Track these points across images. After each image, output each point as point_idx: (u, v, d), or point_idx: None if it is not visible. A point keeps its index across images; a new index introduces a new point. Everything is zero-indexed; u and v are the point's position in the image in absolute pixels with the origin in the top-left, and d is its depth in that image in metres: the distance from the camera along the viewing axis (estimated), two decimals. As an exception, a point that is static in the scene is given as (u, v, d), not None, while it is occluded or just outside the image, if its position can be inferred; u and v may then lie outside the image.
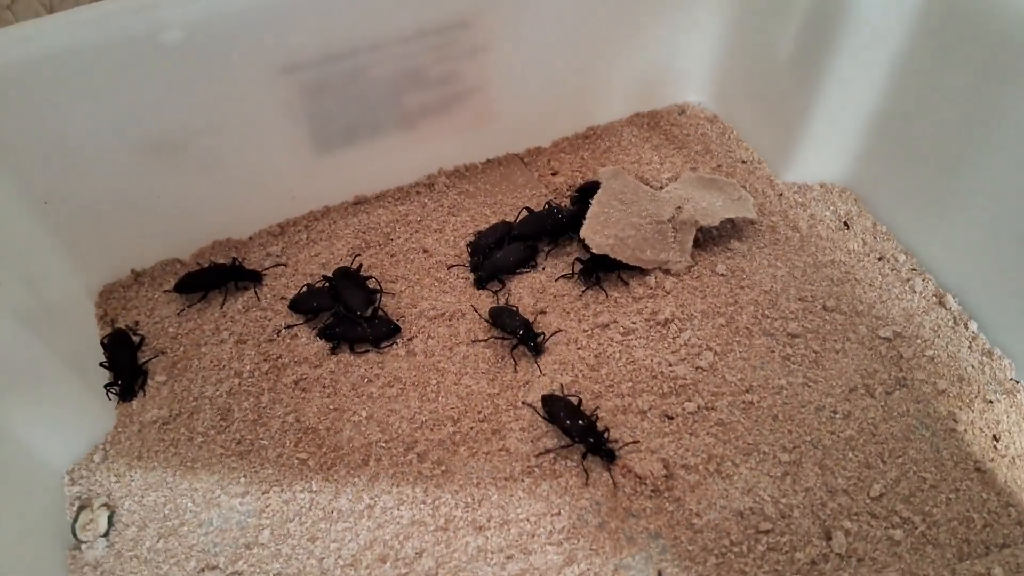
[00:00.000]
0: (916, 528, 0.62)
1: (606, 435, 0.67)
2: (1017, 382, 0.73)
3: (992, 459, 0.67)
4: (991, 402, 0.71)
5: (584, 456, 0.66)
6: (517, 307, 0.79)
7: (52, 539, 0.66)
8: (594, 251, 0.80)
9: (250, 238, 0.90)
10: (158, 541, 0.66)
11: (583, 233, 0.81)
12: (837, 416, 0.70)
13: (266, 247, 0.88)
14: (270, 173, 0.86)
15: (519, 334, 0.75)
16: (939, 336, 0.76)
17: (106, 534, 0.67)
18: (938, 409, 0.70)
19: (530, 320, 0.77)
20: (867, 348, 0.75)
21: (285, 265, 0.86)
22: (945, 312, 0.78)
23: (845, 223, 0.87)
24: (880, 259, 0.83)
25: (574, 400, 0.70)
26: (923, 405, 0.70)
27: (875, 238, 0.85)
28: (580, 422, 0.66)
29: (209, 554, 0.64)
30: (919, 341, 0.75)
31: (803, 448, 0.67)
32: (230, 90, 0.77)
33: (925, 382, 0.72)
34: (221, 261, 0.86)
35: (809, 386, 0.72)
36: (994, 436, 0.68)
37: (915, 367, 0.73)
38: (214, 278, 0.83)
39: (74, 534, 0.67)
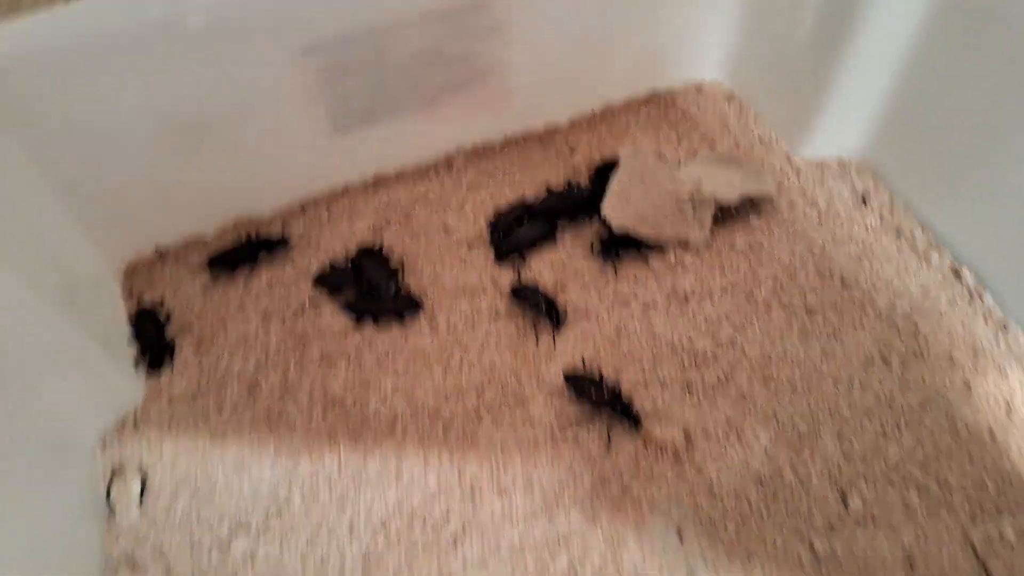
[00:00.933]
0: (931, 492, 0.65)
1: (631, 403, 0.70)
2: (1032, 354, 0.75)
3: (1006, 427, 0.70)
4: (1005, 374, 0.73)
5: (610, 424, 0.69)
6: (537, 283, 0.82)
7: (87, 509, 0.70)
8: (615, 228, 0.82)
9: (271, 216, 0.93)
10: (190, 507, 0.69)
11: (604, 210, 0.84)
12: (854, 387, 0.72)
13: (288, 225, 0.91)
14: (290, 152, 0.89)
15: (541, 308, 0.77)
16: (955, 310, 0.78)
17: (140, 502, 0.70)
18: (954, 380, 0.73)
19: (552, 296, 0.80)
20: (884, 322, 0.77)
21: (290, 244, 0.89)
22: (961, 286, 0.81)
23: (863, 199, 0.90)
24: (897, 234, 0.86)
25: (595, 373, 0.73)
26: (939, 376, 0.73)
27: (892, 213, 0.88)
28: (604, 392, 0.69)
29: (241, 519, 0.67)
30: (935, 314, 0.78)
31: (821, 418, 0.70)
32: (251, 72, 0.80)
33: (941, 355, 0.75)
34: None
35: (827, 359, 0.74)
36: (1008, 405, 0.71)
37: (931, 340, 0.76)
38: (250, 251, 0.86)
39: (108, 502, 0.70)
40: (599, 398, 0.69)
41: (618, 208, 0.84)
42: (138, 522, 0.69)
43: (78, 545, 0.67)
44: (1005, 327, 0.77)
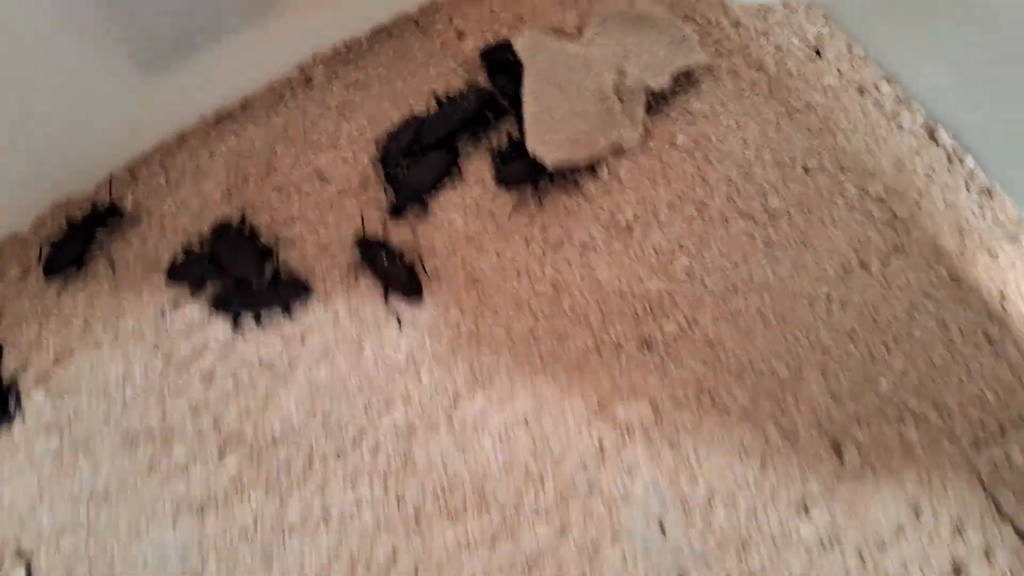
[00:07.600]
0: (930, 422, 0.60)
1: None
2: (1021, 221, 0.68)
3: (1001, 321, 0.64)
4: (995, 256, 0.66)
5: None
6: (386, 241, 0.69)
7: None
8: (550, 166, 0.68)
9: (96, 191, 0.75)
10: (90, 595, 0.60)
11: (530, 146, 0.69)
12: (833, 305, 0.65)
13: (119, 199, 0.74)
14: (94, 111, 0.70)
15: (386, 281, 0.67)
16: (933, 181, 0.70)
17: (27, 597, 0.61)
18: (940, 273, 0.66)
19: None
20: (857, 212, 0.69)
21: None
22: (937, 149, 0.71)
23: (816, 50, 0.77)
24: (860, 92, 0.75)
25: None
26: (924, 274, 0.66)
27: (852, 66, 0.76)
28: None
29: (153, 605, 0.59)
30: (912, 193, 0.69)
31: (801, 353, 0.63)
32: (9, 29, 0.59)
33: (924, 244, 0.67)
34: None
35: (798, 274, 0.66)
36: (1001, 294, 0.65)
37: (911, 225, 0.68)
38: (83, 238, 0.71)
39: (-11, 606, 0.61)
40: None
41: (545, 137, 0.69)
42: (31, 623, 0.59)
43: None
44: (989, 193, 0.69)
